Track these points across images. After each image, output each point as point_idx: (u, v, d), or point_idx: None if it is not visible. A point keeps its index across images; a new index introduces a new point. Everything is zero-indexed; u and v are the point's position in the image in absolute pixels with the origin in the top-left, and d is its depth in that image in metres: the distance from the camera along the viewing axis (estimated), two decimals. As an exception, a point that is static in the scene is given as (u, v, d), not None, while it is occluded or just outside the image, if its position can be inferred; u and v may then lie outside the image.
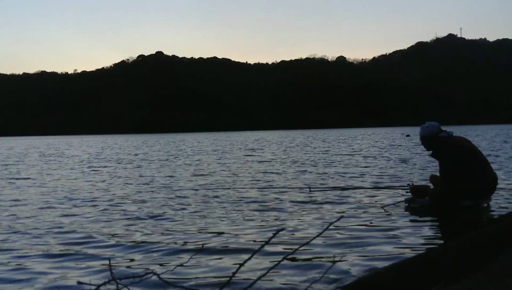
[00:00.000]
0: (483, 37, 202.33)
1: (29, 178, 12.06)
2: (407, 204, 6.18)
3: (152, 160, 18.31)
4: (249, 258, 2.07)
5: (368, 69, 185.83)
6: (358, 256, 4.01)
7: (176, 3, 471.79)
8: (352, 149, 22.39)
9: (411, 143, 26.44)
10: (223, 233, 5.03)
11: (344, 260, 3.81)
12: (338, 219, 2.37)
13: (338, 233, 4.81)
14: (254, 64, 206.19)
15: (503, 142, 24.03)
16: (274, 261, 3.54)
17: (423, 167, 11.75)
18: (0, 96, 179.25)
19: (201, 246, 4.20)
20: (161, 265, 3.92)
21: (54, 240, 4.91)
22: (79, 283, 3.25)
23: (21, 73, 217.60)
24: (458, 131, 7.32)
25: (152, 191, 8.65)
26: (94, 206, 7.12)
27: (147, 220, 5.87)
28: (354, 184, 8.76)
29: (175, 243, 4.65)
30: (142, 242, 4.73)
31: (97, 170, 13.93)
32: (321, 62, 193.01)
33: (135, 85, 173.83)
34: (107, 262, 3.86)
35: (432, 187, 6.12)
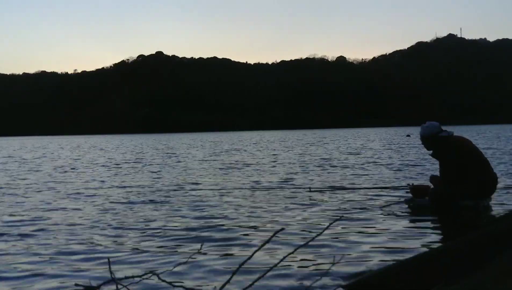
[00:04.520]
0: (483, 37, 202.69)
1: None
2: (407, 204, 6.18)
3: (150, 161, 18.30)
4: (249, 258, 2.07)
5: (368, 69, 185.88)
6: (358, 256, 4.01)
7: (176, 3, 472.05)
8: (352, 149, 22.38)
9: (411, 143, 26.44)
10: (222, 233, 5.02)
11: (344, 260, 3.81)
12: (338, 219, 2.37)
13: (338, 233, 4.81)
14: (254, 64, 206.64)
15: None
16: (274, 261, 3.54)
17: (422, 167, 11.75)
18: (0, 96, 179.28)
19: (200, 246, 4.19)
20: (161, 265, 3.92)
21: (52, 241, 4.91)
22: (77, 284, 3.24)
23: (21, 73, 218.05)
24: (458, 131, 7.32)
25: (152, 191, 8.65)
26: (93, 205, 7.12)
27: (146, 220, 5.86)
28: (354, 184, 8.76)
29: (175, 243, 4.64)
30: (142, 242, 4.72)
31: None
32: (321, 62, 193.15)
33: (135, 85, 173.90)
34: (106, 262, 3.86)
35: (432, 187, 6.12)
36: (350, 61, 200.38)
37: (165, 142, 43.23)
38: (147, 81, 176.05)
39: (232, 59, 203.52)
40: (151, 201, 7.40)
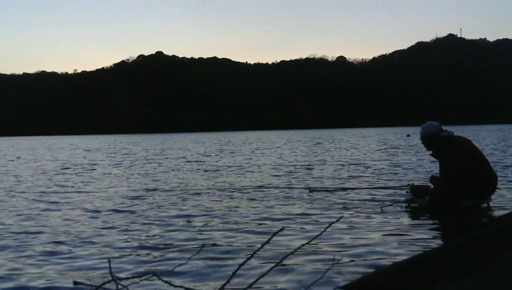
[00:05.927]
0: (483, 37, 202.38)
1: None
2: (407, 204, 6.18)
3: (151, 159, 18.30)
4: (249, 258, 2.07)
5: (368, 69, 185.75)
6: (358, 256, 4.01)
7: (176, 3, 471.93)
8: (352, 149, 22.38)
9: (411, 143, 26.43)
10: (222, 233, 5.03)
11: (344, 260, 3.81)
12: (338, 220, 2.37)
13: (338, 233, 4.81)
14: (254, 64, 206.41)
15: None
16: (274, 261, 3.54)
17: (420, 167, 11.75)
18: (0, 96, 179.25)
19: (200, 246, 4.19)
20: (161, 265, 3.92)
21: (52, 240, 4.91)
22: (76, 283, 3.25)
23: (21, 73, 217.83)
24: (458, 131, 7.32)
25: (152, 191, 8.65)
26: (92, 206, 7.12)
27: (146, 220, 5.86)
28: (354, 185, 8.76)
29: (175, 243, 4.65)
30: (142, 242, 4.73)
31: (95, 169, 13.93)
32: (321, 62, 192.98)
33: (135, 85, 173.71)
34: (106, 262, 3.86)
35: (432, 187, 6.12)
36: (350, 61, 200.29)
37: (166, 143, 43.25)
38: (147, 81, 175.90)
39: (232, 59, 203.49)
40: (151, 202, 7.41)
